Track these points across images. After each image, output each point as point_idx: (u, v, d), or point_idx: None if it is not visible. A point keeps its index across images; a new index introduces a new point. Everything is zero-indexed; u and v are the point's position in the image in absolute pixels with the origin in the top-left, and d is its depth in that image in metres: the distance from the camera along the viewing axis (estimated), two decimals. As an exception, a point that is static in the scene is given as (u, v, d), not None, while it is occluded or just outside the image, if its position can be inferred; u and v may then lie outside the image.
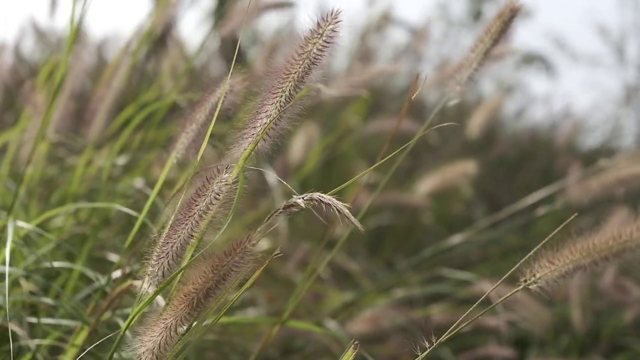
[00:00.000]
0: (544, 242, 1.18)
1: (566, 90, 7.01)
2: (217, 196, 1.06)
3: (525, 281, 1.19)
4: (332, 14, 1.08)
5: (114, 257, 1.82)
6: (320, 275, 2.55)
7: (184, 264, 1.09)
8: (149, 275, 1.09)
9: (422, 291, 2.50)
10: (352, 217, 1.04)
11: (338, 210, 1.05)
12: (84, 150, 1.98)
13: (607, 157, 2.58)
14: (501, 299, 1.21)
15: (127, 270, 1.43)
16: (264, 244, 2.37)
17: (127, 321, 1.13)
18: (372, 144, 3.51)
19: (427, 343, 1.16)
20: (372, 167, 1.16)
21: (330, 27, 1.08)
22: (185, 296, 1.04)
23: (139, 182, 2.03)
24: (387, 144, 1.49)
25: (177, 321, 1.05)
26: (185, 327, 1.07)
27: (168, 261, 1.08)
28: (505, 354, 2.39)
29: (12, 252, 1.63)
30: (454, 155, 3.46)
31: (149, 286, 1.08)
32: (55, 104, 1.54)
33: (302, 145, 2.64)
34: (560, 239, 1.19)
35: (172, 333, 1.05)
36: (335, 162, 3.26)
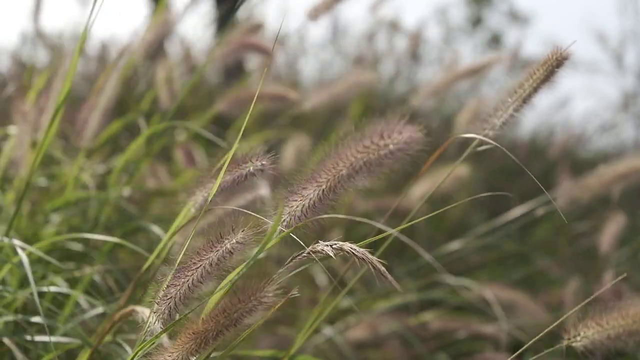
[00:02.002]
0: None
1: (564, 97, 7.02)
2: (231, 253, 1.04)
3: (569, 339, 1.15)
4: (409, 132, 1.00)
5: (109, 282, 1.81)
6: (315, 282, 2.55)
7: (192, 305, 1.08)
8: (155, 313, 1.08)
9: (419, 297, 2.50)
10: (389, 276, 1.00)
11: (373, 266, 1.00)
12: (76, 158, 1.97)
13: (605, 164, 2.58)
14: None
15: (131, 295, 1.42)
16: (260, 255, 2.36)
17: (131, 357, 1.12)
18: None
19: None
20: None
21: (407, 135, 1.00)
22: (194, 334, 1.03)
23: (127, 191, 2.02)
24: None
25: (181, 357, 1.04)
26: None
27: (175, 302, 1.07)
28: (502, 360, 2.38)
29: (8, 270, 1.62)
30: (452, 160, 3.46)
31: (155, 323, 1.07)
32: (58, 117, 1.51)
33: (293, 153, 2.63)
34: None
35: None
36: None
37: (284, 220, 1.06)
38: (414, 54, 4.64)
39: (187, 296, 1.07)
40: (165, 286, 1.07)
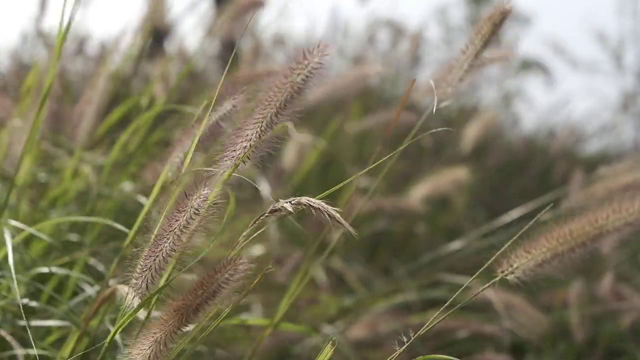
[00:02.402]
0: (519, 234, 1.16)
1: (564, 97, 7.02)
2: (197, 212, 1.06)
3: (503, 272, 1.17)
4: (319, 46, 1.08)
5: (101, 266, 1.81)
6: (315, 281, 2.54)
7: (168, 276, 1.09)
8: (132, 287, 1.09)
9: (419, 297, 2.49)
10: (344, 222, 1.04)
11: (329, 214, 1.04)
12: (73, 153, 1.97)
13: (605, 164, 2.58)
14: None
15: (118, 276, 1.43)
16: (258, 250, 2.36)
17: (111, 334, 1.13)
18: (367, 145, 3.51)
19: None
20: (364, 171, 1.16)
21: (316, 59, 1.08)
22: (175, 311, 1.04)
23: (127, 186, 2.02)
24: (381, 146, 1.49)
25: (166, 335, 1.04)
26: (175, 343, 1.06)
27: (151, 274, 1.08)
28: (502, 360, 2.38)
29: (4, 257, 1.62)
30: (450, 161, 3.45)
31: (133, 298, 1.08)
32: (44, 109, 1.51)
33: (295, 151, 2.63)
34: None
35: (161, 347, 1.05)
36: (330, 167, 3.25)
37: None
38: (414, 55, 4.64)
39: (162, 267, 1.08)
40: (142, 258, 1.08)
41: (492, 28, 1.43)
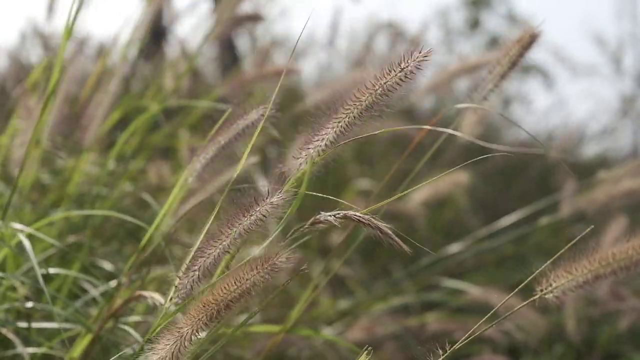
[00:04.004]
0: (557, 255, 1.15)
1: (563, 100, 7.02)
2: (263, 217, 1.05)
3: (542, 290, 1.17)
4: (421, 51, 1.06)
5: (107, 265, 1.82)
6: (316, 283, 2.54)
7: (213, 279, 1.08)
8: (176, 287, 1.08)
9: (418, 299, 2.50)
10: (397, 239, 1.02)
11: (380, 230, 1.02)
12: (77, 155, 1.97)
13: (604, 168, 2.58)
14: (509, 310, 1.19)
15: (130, 278, 1.42)
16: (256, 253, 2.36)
17: (150, 331, 1.11)
18: (368, 149, 3.51)
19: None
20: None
21: (415, 63, 1.06)
22: (204, 306, 1.03)
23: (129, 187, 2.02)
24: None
25: (192, 331, 1.03)
26: (199, 337, 1.05)
27: (198, 275, 1.07)
28: (500, 362, 2.38)
29: (6, 258, 1.62)
30: (450, 163, 3.46)
31: (175, 298, 1.08)
32: (49, 108, 1.52)
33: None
34: (561, 248, 1.16)
35: (186, 342, 1.03)
36: (330, 167, 3.25)
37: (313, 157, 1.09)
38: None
39: (211, 269, 1.07)
40: (191, 258, 1.07)
41: (520, 50, 1.44)
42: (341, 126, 1.08)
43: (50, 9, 2.74)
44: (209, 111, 2.35)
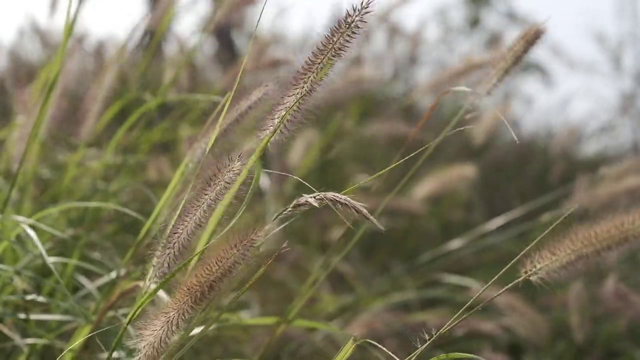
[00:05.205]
0: (545, 232, 1.15)
1: (563, 98, 7.02)
2: (228, 185, 1.05)
3: (526, 272, 1.16)
4: (362, 4, 1.05)
5: (105, 258, 1.81)
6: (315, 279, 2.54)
7: (189, 256, 1.08)
8: (153, 266, 1.08)
9: (418, 296, 2.49)
10: (371, 217, 1.03)
11: (356, 210, 1.03)
12: (76, 149, 1.97)
13: (604, 165, 2.57)
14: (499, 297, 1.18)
15: (129, 270, 1.42)
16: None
17: (130, 315, 1.11)
18: (368, 147, 3.51)
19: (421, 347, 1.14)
20: (376, 175, 1.15)
21: (358, 18, 1.05)
22: (188, 289, 1.03)
23: (131, 183, 2.02)
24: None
25: (179, 315, 1.03)
26: (186, 322, 1.05)
27: (174, 252, 1.07)
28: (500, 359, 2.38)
29: (5, 251, 1.62)
30: (450, 159, 3.45)
31: (153, 278, 1.07)
32: (48, 103, 1.52)
33: (302, 149, 2.63)
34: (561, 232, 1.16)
35: (173, 327, 1.03)
36: (330, 165, 3.25)
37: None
38: (413, 56, 4.64)
39: (186, 245, 1.07)
40: (166, 235, 1.07)
41: (524, 46, 1.44)
42: (303, 91, 1.08)
43: (53, 5, 2.74)
44: (208, 106, 2.35)
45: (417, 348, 1.13)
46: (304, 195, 1.07)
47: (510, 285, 1.15)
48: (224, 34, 5.16)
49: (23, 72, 3.55)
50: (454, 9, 7.43)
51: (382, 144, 3.47)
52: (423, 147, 1.30)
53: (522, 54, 1.45)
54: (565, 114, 5.73)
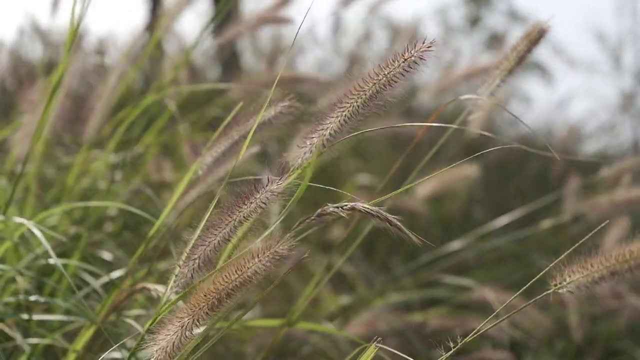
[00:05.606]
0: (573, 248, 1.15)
1: (562, 97, 7.02)
2: (263, 205, 1.05)
3: (556, 285, 1.16)
4: (425, 42, 1.05)
5: (108, 257, 1.81)
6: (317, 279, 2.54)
7: (213, 268, 1.07)
8: (176, 275, 1.07)
9: (419, 296, 2.49)
10: (406, 230, 1.02)
11: (389, 222, 1.02)
12: (81, 150, 1.97)
13: (604, 164, 2.58)
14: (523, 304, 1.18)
15: (133, 271, 1.42)
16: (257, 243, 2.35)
17: (150, 321, 1.11)
18: (367, 146, 3.51)
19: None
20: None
21: (418, 54, 1.05)
22: (205, 296, 1.02)
23: (135, 184, 2.02)
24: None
25: (193, 321, 1.02)
26: (200, 328, 1.04)
27: (199, 263, 1.07)
28: (501, 358, 2.38)
29: (7, 251, 1.62)
30: (450, 159, 3.46)
31: (175, 287, 1.07)
32: (53, 103, 1.52)
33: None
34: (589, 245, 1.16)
35: (187, 332, 1.02)
36: (329, 163, 3.25)
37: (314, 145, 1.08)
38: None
39: (211, 257, 1.06)
40: (191, 247, 1.07)
41: (528, 46, 1.44)
42: (345, 115, 1.07)
43: (55, 4, 2.74)
44: (209, 105, 2.35)
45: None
46: (328, 205, 1.05)
47: (539, 297, 1.15)
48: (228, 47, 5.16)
49: (23, 71, 3.55)
50: (454, 9, 7.43)
51: (381, 142, 3.47)
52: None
53: (526, 53, 1.45)
54: (565, 113, 5.72)
